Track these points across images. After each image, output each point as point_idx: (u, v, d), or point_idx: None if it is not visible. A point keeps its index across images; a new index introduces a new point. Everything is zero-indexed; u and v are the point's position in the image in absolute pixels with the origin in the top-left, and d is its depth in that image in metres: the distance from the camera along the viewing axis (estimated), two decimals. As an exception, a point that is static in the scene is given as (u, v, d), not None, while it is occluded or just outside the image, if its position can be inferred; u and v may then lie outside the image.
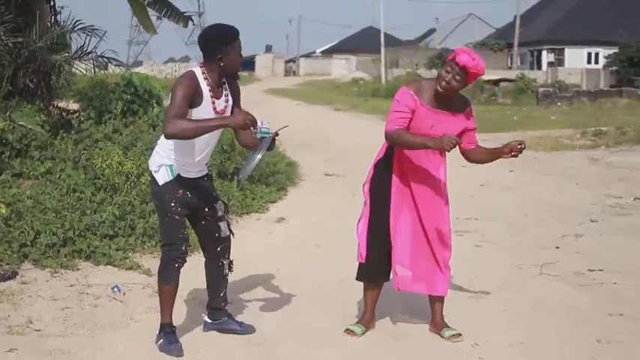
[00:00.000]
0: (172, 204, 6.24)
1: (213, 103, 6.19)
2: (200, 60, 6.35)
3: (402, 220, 6.69)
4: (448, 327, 6.77)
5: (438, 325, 6.82)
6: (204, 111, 6.11)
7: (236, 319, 6.94)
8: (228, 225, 6.78)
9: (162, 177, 6.22)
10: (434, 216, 6.66)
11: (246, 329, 6.83)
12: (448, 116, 6.51)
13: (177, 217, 6.29)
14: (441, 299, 6.83)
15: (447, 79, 6.39)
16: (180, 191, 6.26)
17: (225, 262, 6.75)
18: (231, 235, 6.83)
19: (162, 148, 6.26)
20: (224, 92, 6.33)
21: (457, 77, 6.38)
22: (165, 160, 6.23)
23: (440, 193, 6.67)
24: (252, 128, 6.07)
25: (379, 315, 7.03)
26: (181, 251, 6.35)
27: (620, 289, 8.05)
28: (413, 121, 6.47)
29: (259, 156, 6.26)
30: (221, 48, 6.13)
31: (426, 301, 6.92)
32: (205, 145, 6.35)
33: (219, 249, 6.68)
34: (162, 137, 6.20)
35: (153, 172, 6.26)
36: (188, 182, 6.32)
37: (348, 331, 6.83)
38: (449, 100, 6.51)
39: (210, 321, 6.84)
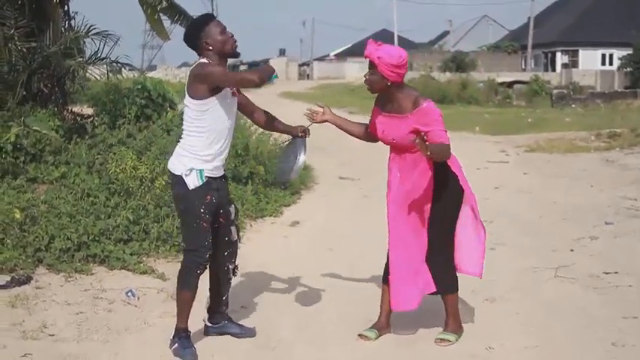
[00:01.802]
0: (202, 210, 6.25)
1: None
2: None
3: (396, 228, 6.70)
4: (445, 330, 6.76)
5: (444, 326, 6.83)
6: (226, 94, 6.26)
7: (238, 322, 6.95)
8: (238, 230, 6.80)
9: (193, 181, 6.20)
10: (419, 222, 6.62)
11: (247, 332, 6.83)
12: (394, 119, 6.48)
13: (204, 224, 6.29)
14: (444, 300, 6.79)
15: (365, 76, 6.50)
16: (209, 196, 6.28)
17: (231, 266, 6.75)
18: (239, 241, 6.84)
19: (190, 150, 6.25)
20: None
21: (370, 71, 6.43)
22: (195, 164, 6.21)
23: (425, 199, 6.57)
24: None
25: (392, 319, 7.02)
26: (205, 258, 6.35)
27: (635, 292, 8.01)
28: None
29: (303, 157, 6.31)
30: (200, 33, 6.27)
31: (439, 306, 6.91)
32: (230, 140, 6.44)
33: (226, 253, 6.67)
34: (188, 138, 6.27)
35: (183, 176, 6.21)
36: (214, 185, 6.34)
37: (361, 335, 6.82)
38: (395, 102, 6.47)
39: (210, 324, 6.84)
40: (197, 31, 6.30)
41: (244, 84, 6.22)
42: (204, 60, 6.27)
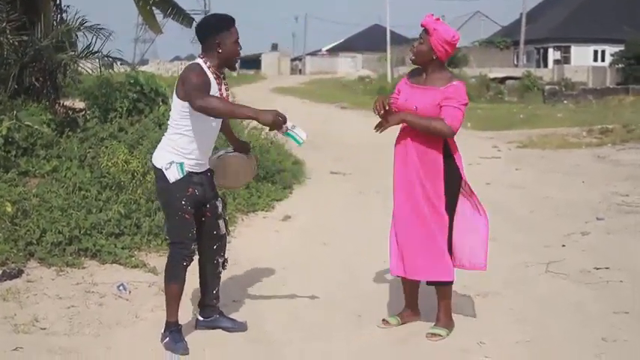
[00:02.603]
0: (183, 202, 6.26)
1: (220, 90, 6.27)
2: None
3: (400, 211, 6.71)
4: (436, 325, 6.77)
5: (435, 320, 6.85)
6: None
7: (230, 316, 6.96)
8: (226, 223, 6.81)
9: (173, 174, 6.21)
10: (423, 209, 6.60)
11: (239, 326, 6.83)
12: (423, 89, 6.52)
13: (187, 215, 6.31)
14: (438, 291, 6.79)
15: (413, 44, 6.59)
16: (190, 189, 6.29)
17: (220, 259, 6.76)
18: (227, 234, 6.85)
19: (172, 145, 6.26)
20: (223, 80, 6.40)
21: (421, 39, 6.48)
22: (175, 157, 6.23)
23: (433, 186, 6.55)
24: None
25: (381, 313, 7.02)
26: (190, 250, 6.39)
27: (626, 288, 8.03)
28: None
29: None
30: (218, 34, 6.23)
31: (432, 301, 6.91)
32: (214, 139, 6.47)
33: (215, 247, 6.69)
34: (172, 134, 6.28)
35: (164, 170, 6.23)
36: (196, 179, 6.34)
37: (384, 321, 6.92)
38: (429, 78, 6.53)
39: (202, 318, 6.85)
40: (215, 29, 6.26)
41: (198, 102, 5.93)
42: (199, 61, 6.27)
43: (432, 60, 6.47)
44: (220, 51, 6.23)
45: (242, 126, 14.21)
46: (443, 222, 6.57)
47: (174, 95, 6.25)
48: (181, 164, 6.22)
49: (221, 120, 6.46)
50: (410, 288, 6.98)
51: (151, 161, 6.47)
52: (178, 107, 6.20)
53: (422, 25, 6.48)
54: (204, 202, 6.47)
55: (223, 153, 6.90)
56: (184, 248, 6.35)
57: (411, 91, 6.59)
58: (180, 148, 6.23)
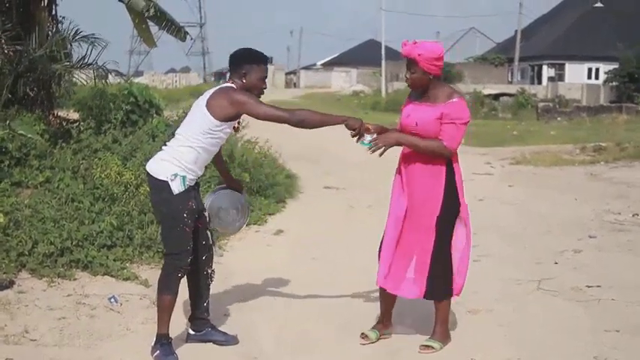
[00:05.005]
0: (185, 215, 6.32)
1: (238, 122, 6.62)
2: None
3: (393, 226, 6.72)
4: (432, 337, 6.76)
5: (431, 332, 6.85)
6: (229, 127, 6.47)
7: (221, 329, 6.95)
8: (212, 234, 6.87)
9: (177, 186, 6.27)
10: (418, 228, 6.61)
11: (230, 340, 6.83)
12: (424, 106, 6.53)
13: (187, 228, 6.37)
14: (437, 306, 6.79)
15: (406, 76, 6.58)
16: (190, 202, 6.36)
17: (209, 270, 6.82)
18: (213, 246, 6.96)
19: (177, 157, 6.30)
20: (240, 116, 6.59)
21: (411, 70, 6.50)
22: (179, 170, 6.28)
23: (432, 206, 6.56)
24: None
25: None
26: (186, 262, 6.42)
27: (618, 306, 8.03)
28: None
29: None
30: (247, 65, 6.47)
31: (428, 315, 6.91)
32: (209, 159, 6.62)
33: (204, 257, 6.74)
34: (180, 146, 6.35)
35: (169, 181, 6.26)
36: (192, 193, 6.42)
37: (363, 335, 6.90)
38: (431, 94, 6.52)
39: (193, 332, 6.85)
40: (245, 60, 6.51)
41: (294, 117, 6.35)
42: (231, 84, 6.45)
43: (429, 80, 6.50)
44: (245, 81, 6.44)
45: (235, 139, 14.18)
46: (431, 240, 6.58)
47: (205, 111, 6.30)
48: (184, 177, 6.29)
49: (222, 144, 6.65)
50: (391, 300, 6.97)
51: (147, 172, 6.46)
52: (206, 124, 6.29)
53: (405, 57, 6.51)
54: (197, 213, 6.51)
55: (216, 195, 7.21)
56: (180, 260, 6.37)
57: (413, 108, 6.61)
58: (185, 161, 6.29)
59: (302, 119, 6.32)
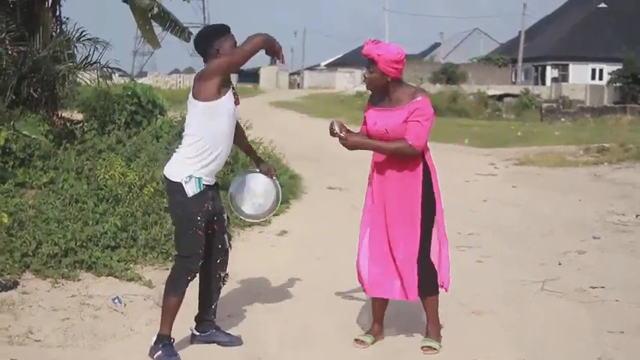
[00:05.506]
0: (198, 218, 6.29)
1: (234, 94, 6.43)
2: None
3: (374, 228, 6.77)
4: (428, 337, 6.75)
5: (425, 332, 6.85)
6: (228, 101, 6.35)
7: (225, 330, 6.94)
8: (229, 238, 6.81)
9: (192, 189, 6.23)
10: (401, 231, 6.61)
11: (234, 341, 6.81)
12: (388, 111, 6.51)
13: (200, 232, 6.33)
14: (426, 303, 6.76)
15: (364, 75, 6.60)
16: (206, 204, 6.32)
17: (222, 274, 6.77)
18: (230, 249, 6.85)
19: (189, 156, 6.27)
20: (231, 85, 6.51)
21: (370, 69, 6.50)
22: (193, 172, 6.24)
23: (412, 207, 6.55)
24: None
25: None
26: (197, 266, 6.39)
27: (622, 307, 8.03)
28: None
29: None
30: (215, 41, 6.36)
31: (419, 314, 6.92)
32: (228, 150, 6.50)
33: (219, 261, 6.69)
34: (187, 145, 6.31)
35: (183, 182, 6.22)
36: (210, 193, 6.38)
37: (358, 340, 6.85)
38: (392, 98, 6.51)
39: (197, 333, 6.82)
40: (211, 38, 6.40)
41: (255, 47, 6.35)
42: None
43: (387, 82, 6.48)
44: (221, 55, 6.30)
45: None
46: (417, 239, 6.58)
47: (193, 100, 6.29)
48: (199, 179, 6.24)
49: (234, 125, 6.51)
50: (383, 305, 6.96)
51: (164, 175, 6.44)
52: (200, 109, 6.25)
53: (364, 56, 6.50)
54: (213, 215, 6.49)
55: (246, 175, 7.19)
56: (191, 263, 6.35)
57: (378, 114, 6.59)
58: (197, 160, 6.25)
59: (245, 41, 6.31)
